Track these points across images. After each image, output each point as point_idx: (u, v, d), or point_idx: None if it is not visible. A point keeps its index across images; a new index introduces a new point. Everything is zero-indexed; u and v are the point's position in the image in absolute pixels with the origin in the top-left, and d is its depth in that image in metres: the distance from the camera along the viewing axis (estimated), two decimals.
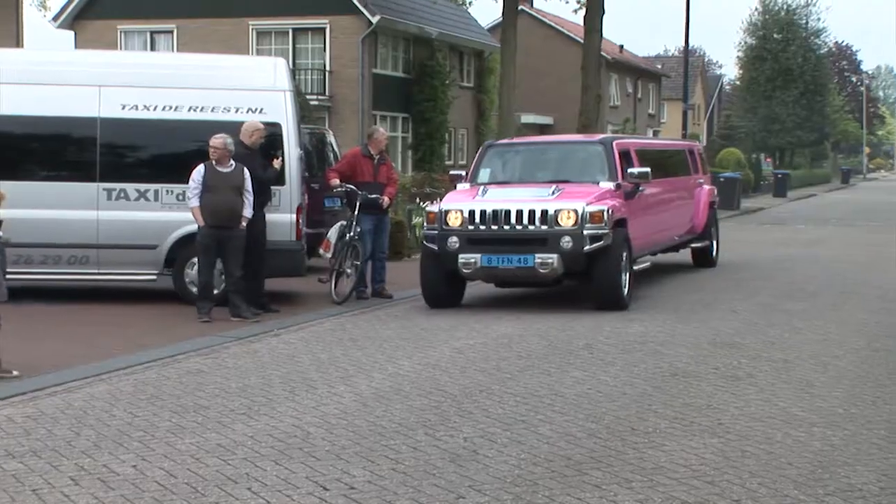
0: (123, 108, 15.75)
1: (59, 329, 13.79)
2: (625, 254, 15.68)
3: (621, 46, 77.25)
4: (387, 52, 47.54)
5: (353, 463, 7.54)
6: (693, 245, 21.47)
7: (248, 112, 15.50)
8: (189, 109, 15.76)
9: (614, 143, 17.39)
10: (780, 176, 63.62)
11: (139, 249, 15.48)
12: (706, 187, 22.51)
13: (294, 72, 27.08)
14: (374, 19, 44.28)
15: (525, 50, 46.17)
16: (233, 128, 14.89)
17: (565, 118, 53.75)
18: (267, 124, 15.18)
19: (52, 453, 7.80)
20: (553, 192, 15.69)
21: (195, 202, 14.27)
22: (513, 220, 15.33)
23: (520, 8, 42.04)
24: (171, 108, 15.79)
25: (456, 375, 10.83)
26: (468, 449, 7.93)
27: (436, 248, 15.57)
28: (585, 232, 15.05)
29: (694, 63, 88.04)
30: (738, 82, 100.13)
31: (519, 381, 10.52)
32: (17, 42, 32.46)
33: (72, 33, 46.88)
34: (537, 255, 15.13)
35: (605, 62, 54.49)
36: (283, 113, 15.80)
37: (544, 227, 15.22)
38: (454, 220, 15.57)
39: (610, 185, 16.20)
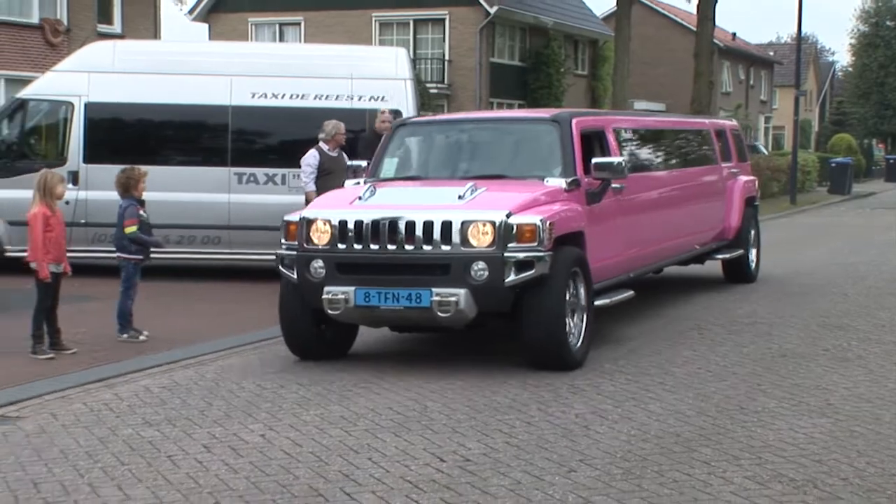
0: (253, 96, 16.06)
1: (192, 305, 14.15)
2: (578, 285, 10.35)
3: (734, 34, 76.05)
4: (503, 42, 47.53)
5: (468, 436, 7.58)
6: (719, 256, 15.65)
7: (370, 100, 15.70)
8: (315, 97, 16.00)
9: (574, 122, 11.52)
10: (891, 161, 62.45)
11: (267, 231, 15.74)
12: (742, 179, 16.36)
13: (414, 61, 27.17)
14: (492, 10, 44.43)
15: (638, 38, 45.78)
16: (355, 115, 15.10)
17: (678, 105, 53.06)
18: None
19: (185, 422, 8.00)
20: (466, 195, 10.14)
21: (312, 186, 14.29)
22: (401, 235, 9.90)
23: None
24: (297, 96, 16.05)
25: None
26: (580, 424, 7.91)
27: (294, 276, 10.24)
28: (508, 255, 9.66)
29: (806, 50, 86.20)
30: (850, 69, 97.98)
31: (630, 359, 10.45)
32: (155, 34, 33.12)
33: (206, 26, 47.75)
34: (435, 291, 9.70)
35: (717, 50, 53.68)
36: (403, 100, 15.95)
37: (446, 248, 9.79)
38: (320, 236, 10.16)
39: (559, 184, 10.71)
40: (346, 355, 10.85)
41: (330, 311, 9.98)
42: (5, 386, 9.19)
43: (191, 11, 48.41)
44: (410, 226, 9.86)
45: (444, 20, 45.41)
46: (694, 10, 40.74)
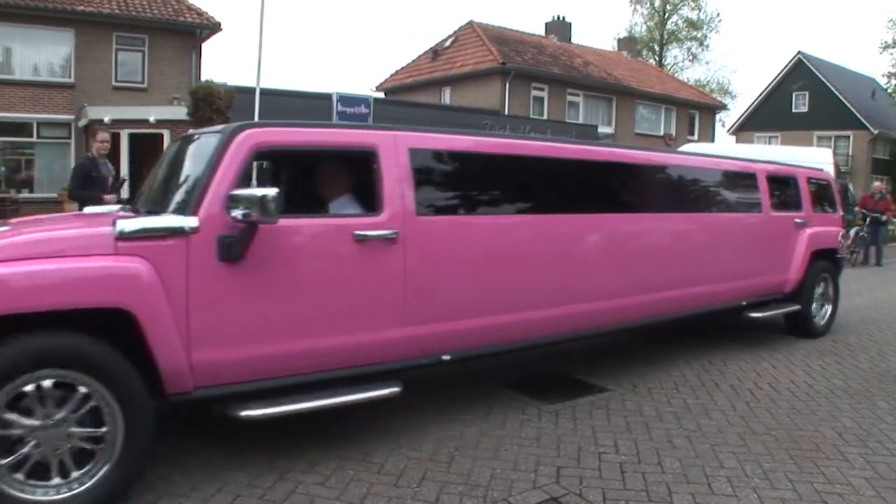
0: None
1: None
2: (109, 404, 2.86)
3: None
4: (881, 146, 45.82)
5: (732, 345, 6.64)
6: (752, 315, 6.37)
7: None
8: None
9: (243, 135, 3.11)
10: None
11: None
12: (809, 231, 7.01)
13: (836, 155, 25.41)
14: (875, 132, 43.52)
15: None
16: None
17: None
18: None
19: None
20: None
21: None
22: None
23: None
24: None
25: None
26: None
27: None
28: None
29: None
30: None
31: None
32: (712, 139, 34.73)
33: (734, 137, 44.12)
34: None
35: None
36: (831, 170, 13.61)
37: None
38: None
39: (120, 228, 2.84)
40: None
41: None
42: None
43: (728, 130, 48.69)
44: None
45: (849, 136, 44.94)
46: None
